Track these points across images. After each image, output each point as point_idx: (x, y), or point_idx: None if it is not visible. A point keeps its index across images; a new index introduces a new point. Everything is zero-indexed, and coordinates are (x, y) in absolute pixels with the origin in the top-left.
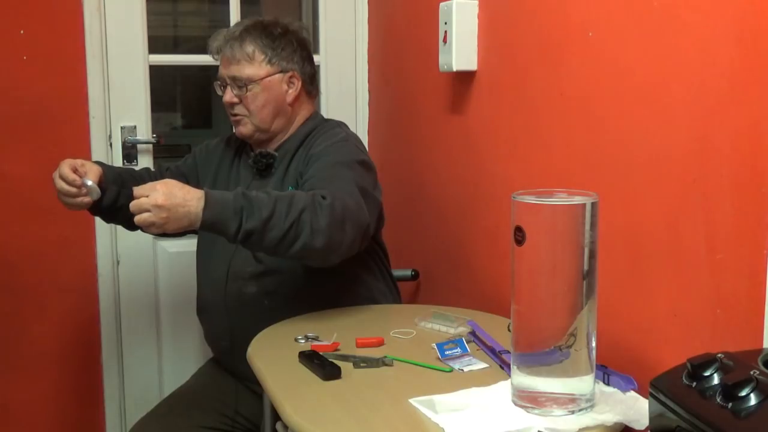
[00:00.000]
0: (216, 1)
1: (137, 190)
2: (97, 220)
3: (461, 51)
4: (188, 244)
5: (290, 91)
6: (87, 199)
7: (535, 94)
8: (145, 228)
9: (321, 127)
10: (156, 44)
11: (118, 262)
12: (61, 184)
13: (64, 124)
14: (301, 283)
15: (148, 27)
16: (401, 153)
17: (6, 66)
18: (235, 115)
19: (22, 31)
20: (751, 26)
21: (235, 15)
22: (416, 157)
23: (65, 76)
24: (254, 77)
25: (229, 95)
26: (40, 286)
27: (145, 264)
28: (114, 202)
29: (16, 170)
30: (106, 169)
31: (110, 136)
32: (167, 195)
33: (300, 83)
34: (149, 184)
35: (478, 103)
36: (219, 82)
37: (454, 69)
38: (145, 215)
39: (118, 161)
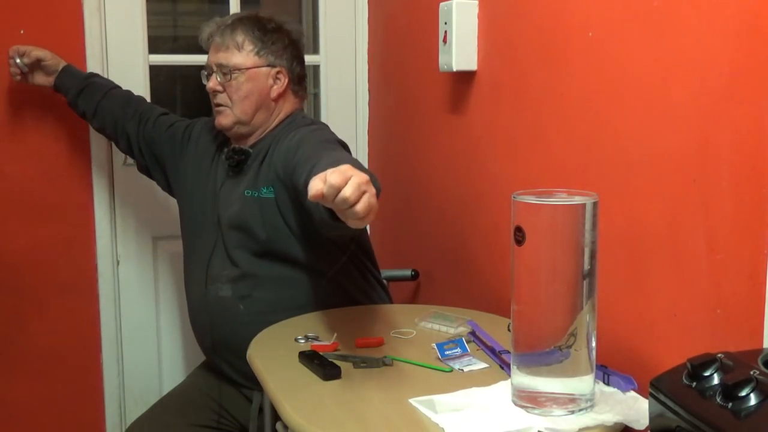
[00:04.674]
0: (216, 1)
1: (332, 177)
2: (97, 220)
3: (461, 51)
4: None
5: (275, 86)
6: (16, 70)
7: (535, 94)
8: (365, 218)
9: (296, 123)
10: (156, 44)
11: (118, 262)
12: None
13: (64, 124)
14: (276, 290)
15: (148, 27)
16: (401, 153)
17: (6, 66)
18: (218, 105)
19: (22, 31)
20: (751, 26)
21: None
22: (416, 157)
23: None
24: (240, 66)
25: (213, 82)
26: (40, 286)
27: (145, 264)
28: (74, 94)
29: (16, 170)
30: (73, 69)
31: None
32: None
33: (286, 80)
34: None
35: (478, 103)
36: (206, 71)
37: (454, 69)
38: (369, 198)
39: (119, 161)
